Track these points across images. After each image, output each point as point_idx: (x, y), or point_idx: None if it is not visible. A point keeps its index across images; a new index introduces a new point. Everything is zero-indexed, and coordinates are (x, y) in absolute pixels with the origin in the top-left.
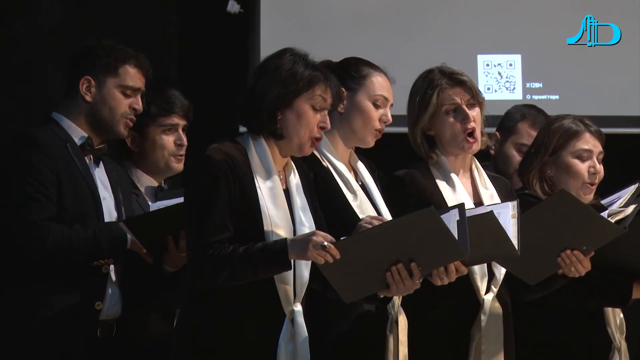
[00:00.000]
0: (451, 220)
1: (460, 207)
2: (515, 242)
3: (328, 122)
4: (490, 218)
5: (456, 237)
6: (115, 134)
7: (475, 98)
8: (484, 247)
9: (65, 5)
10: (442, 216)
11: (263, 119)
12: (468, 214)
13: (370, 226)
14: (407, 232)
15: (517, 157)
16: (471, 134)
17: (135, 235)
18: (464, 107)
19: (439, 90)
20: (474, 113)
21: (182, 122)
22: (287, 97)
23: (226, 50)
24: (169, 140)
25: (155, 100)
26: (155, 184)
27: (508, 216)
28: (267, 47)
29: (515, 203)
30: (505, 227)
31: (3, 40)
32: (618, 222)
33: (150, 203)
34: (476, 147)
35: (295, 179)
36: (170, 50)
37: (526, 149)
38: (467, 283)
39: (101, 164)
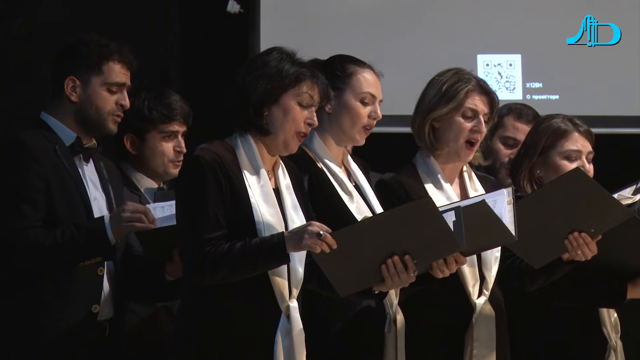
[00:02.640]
0: (447, 221)
1: (457, 209)
2: (512, 228)
3: (315, 119)
4: (483, 207)
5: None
6: (105, 132)
7: (492, 117)
8: (480, 236)
9: (66, 5)
10: None
11: (250, 115)
12: (461, 204)
13: None
14: (403, 223)
15: (503, 151)
16: (472, 143)
17: (144, 247)
18: (482, 117)
19: (468, 89)
20: (484, 129)
21: (182, 129)
22: (273, 93)
23: (226, 50)
24: (168, 146)
25: (157, 105)
26: (155, 185)
27: (504, 203)
28: (267, 47)
29: (510, 190)
30: (502, 214)
31: (3, 40)
32: (627, 206)
33: (150, 203)
34: (470, 157)
35: (285, 179)
36: (170, 50)
37: (512, 142)
38: (459, 288)
39: (91, 162)
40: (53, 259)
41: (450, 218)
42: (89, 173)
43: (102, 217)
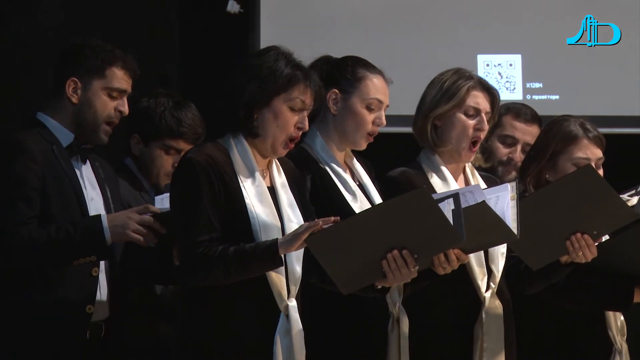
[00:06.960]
0: (446, 209)
1: (455, 196)
2: (514, 225)
3: (306, 123)
4: (483, 208)
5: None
6: (95, 140)
7: (493, 115)
8: (481, 235)
9: (66, 4)
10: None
11: (240, 116)
12: (462, 205)
13: None
14: (400, 215)
15: (500, 149)
16: (475, 143)
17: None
18: (484, 115)
19: (470, 86)
20: (486, 127)
21: (187, 147)
22: (264, 96)
23: (226, 50)
24: (168, 160)
25: (169, 116)
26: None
27: (507, 199)
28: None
29: (514, 184)
30: (504, 210)
31: (3, 40)
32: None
33: (151, 200)
34: (472, 158)
35: (280, 177)
36: (170, 50)
37: (510, 140)
38: (467, 282)
39: (88, 162)
40: (47, 255)
41: (448, 207)
42: (87, 173)
43: (98, 216)
